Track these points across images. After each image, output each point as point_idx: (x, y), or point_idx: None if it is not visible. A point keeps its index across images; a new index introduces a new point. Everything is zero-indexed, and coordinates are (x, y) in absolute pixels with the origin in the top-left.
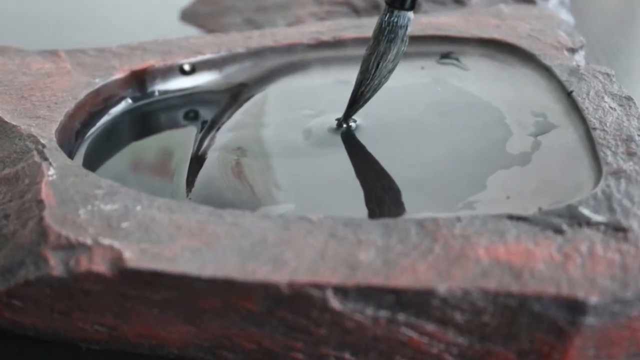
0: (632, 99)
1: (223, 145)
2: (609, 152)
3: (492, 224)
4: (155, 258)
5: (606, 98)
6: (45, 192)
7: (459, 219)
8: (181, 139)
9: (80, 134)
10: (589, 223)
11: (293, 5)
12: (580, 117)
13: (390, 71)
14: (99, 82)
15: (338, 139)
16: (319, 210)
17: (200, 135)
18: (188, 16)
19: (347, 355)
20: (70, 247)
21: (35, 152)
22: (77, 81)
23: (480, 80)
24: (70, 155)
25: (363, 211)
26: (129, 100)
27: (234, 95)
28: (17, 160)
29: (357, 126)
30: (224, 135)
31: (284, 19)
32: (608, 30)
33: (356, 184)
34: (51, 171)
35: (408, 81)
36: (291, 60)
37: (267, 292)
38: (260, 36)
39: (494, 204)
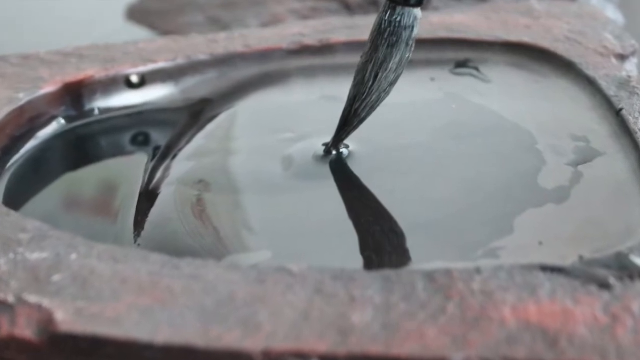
0: None
1: (181, 177)
2: None
3: (521, 277)
4: (94, 320)
5: None
6: None
7: (478, 271)
8: (128, 170)
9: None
10: None
11: (269, 0)
12: (632, 142)
13: (392, 84)
14: (23, 98)
15: (326, 170)
16: (302, 259)
17: (152, 164)
18: (136, 14)
19: None
20: None
21: None
22: None
23: (505, 96)
24: None
25: (357, 260)
26: (62, 121)
27: (195, 114)
28: None
29: (349, 153)
30: (182, 164)
31: (258, 17)
32: None
33: (348, 226)
34: None
35: (414, 96)
36: (266, 70)
37: None
38: (227, 39)
39: (523, 252)
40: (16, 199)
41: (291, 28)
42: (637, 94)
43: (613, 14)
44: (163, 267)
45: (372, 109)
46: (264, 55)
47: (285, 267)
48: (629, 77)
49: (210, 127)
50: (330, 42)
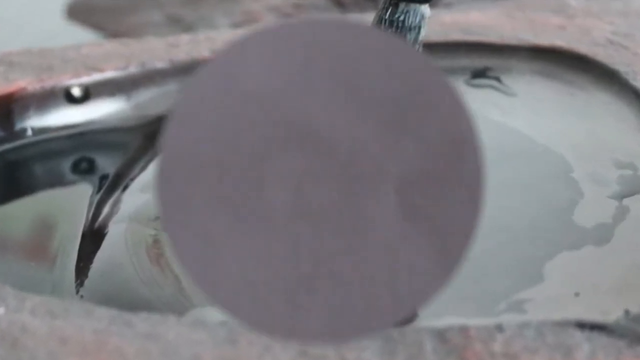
0: None
1: (133, 213)
2: None
3: (553, 336)
4: None
5: None
6: None
7: (500, 328)
8: (68, 203)
9: None
10: None
11: None
12: None
13: None
14: None
15: None
16: None
17: (98, 197)
18: (79, 12)
19: None
20: None
21: None
22: None
23: (532, 112)
24: None
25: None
26: None
27: (150, 136)
28: None
29: None
30: (135, 197)
31: (228, 16)
32: None
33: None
34: None
35: None
36: None
37: None
38: (190, 43)
39: (555, 305)
40: None
41: None
42: None
43: None
44: (111, 324)
45: None
46: None
47: None
48: None
49: None
50: None
